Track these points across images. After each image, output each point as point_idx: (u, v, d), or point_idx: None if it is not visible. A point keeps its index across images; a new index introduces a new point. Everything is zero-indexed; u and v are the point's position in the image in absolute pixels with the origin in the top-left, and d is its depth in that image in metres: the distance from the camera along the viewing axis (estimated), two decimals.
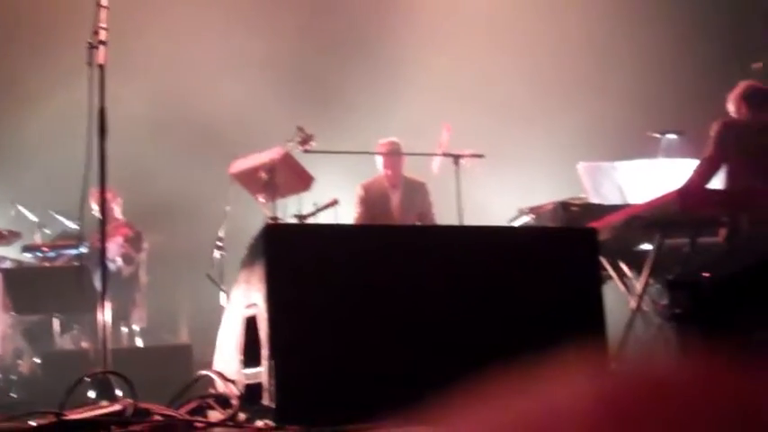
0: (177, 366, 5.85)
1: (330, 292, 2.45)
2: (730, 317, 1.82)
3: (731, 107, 4.86)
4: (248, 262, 2.72)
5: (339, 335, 2.43)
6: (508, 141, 8.37)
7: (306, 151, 6.05)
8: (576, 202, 5.80)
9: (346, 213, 6.69)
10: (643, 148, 6.43)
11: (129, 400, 2.68)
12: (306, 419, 2.22)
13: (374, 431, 1.90)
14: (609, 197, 5.74)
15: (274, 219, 5.96)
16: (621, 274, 5.63)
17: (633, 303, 5.22)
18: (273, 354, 2.39)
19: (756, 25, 7.90)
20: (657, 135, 6.27)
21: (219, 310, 5.10)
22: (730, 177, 4.66)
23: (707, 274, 1.84)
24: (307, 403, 2.36)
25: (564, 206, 5.58)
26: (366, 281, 2.50)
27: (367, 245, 2.58)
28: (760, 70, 7.37)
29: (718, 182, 4.88)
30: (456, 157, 6.21)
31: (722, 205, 4.64)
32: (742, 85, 4.93)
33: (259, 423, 2.44)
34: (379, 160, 6.69)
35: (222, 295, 5.92)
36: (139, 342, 7.75)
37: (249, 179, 6.17)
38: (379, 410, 2.17)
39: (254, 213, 6.47)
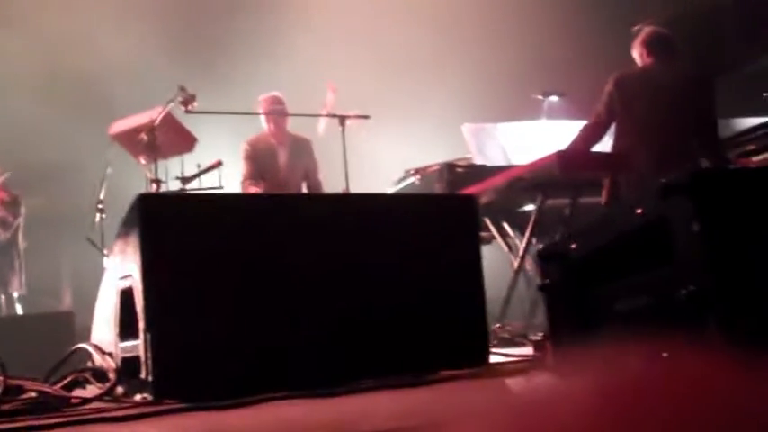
0: (59, 334, 5.71)
1: (206, 264, 2.41)
2: (595, 287, 1.86)
3: (635, 53, 4.87)
4: (123, 233, 2.65)
5: (216, 307, 2.39)
6: (394, 103, 8.38)
7: (188, 112, 5.91)
8: (461, 163, 5.86)
9: (231, 175, 6.58)
10: (527, 109, 6.54)
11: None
12: (183, 393, 2.18)
13: (252, 405, 1.89)
14: (493, 158, 5.82)
15: (156, 181, 5.84)
16: (505, 235, 5.73)
17: (516, 264, 5.32)
18: (149, 326, 2.34)
19: None
20: (540, 97, 6.37)
21: (102, 274, 5.00)
22: (618, 136, 4.70)
23: (574, 245, 1.88)
24: (184, 377, 2.33)
25: (449, 167, 5.64)
26: (243, 251, 2.47)
27: (243, 215, 2.54)
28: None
29: (602, 144, 4.98)
30: (341, 119, 6.17)
31: (602, 168, 4.74)
32: (646, 31, 4.92)
33: (137, 397, 2.40)
34: (263, 116, 6.57)
35: (104, 259, 5.80)
36: (19, 309, 7.53)
37: (129, 140, 6.01)
38: (257, 383, 2.16)
39: (136, 175, 6.32)
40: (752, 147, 5.22)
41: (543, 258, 2.00)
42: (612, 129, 4.76)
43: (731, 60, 7.28)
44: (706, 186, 1.49)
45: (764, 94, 6.58)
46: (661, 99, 4.50)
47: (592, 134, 4.81)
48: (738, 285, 1.46)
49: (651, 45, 4.77)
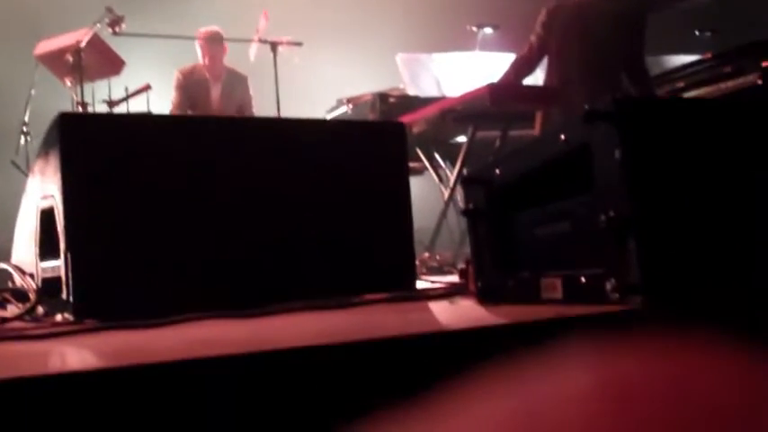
0: None
1: (128, 184, 2.37)
2: (518, 213, 1.88)
3: None
4: (43, 152, 2.58)
5: (138, 228, 2.36)
6: (327, 31, 8.27)
7: (115, 33, 5.79)
8: (394, 93, 5.85)
9: (159, 100, 6.46)
10: (461, 41, 6.51)
11: None
12: (104, 313, 2.16)
13: (173, 324, 1.88)
14: (426, 89, 5.82)
15: (82, 103, 5.72)
16: (436, 166, 5.76)
17: (446, 194, 5.36)
18: (70, 247, 2.30)
19: None
20: (475, 29, 6.35)
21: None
22: (550, 69, 4.73)
23: (498, 171, 1.88)
24: (105, 297, 2.30)
25: (381, 97, 5.62)
26: (167, 173, 2.43)
27: (168, 136, 2.49)
28: None
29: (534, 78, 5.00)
30: (273, 45, 6.09)
31: (533, 101, 4.77)
32: None
33: (57, 317, 2.37)
34: (200, 50, 6.43)
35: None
36: None
37: (55, 61, 5.87)
38: (178, 304, 2.15)
39: (62, 98, 6.17)
40: (682, 84, 5.30)
41: (467, 184, 2.01)
42: (545, 62, 4.78)
43: None
44: (629, 114, 1.50)
45: (697, 32, 6.66)
46: (594, 33, 4.53)
47: (523, 66, 4.83)
48: (657, 212, 1.48)
49: None
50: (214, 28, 6.40)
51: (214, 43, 6.30)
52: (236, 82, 6.41)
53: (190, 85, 6.29)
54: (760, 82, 4.78)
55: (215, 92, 6.33)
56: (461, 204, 2.25)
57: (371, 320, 1.75)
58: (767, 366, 0.38)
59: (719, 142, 1.59)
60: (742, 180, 1.57)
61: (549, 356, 0.42)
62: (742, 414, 0.35)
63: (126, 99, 6.03)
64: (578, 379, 0.39)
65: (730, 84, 5.00)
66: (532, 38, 4.72)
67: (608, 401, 0.36)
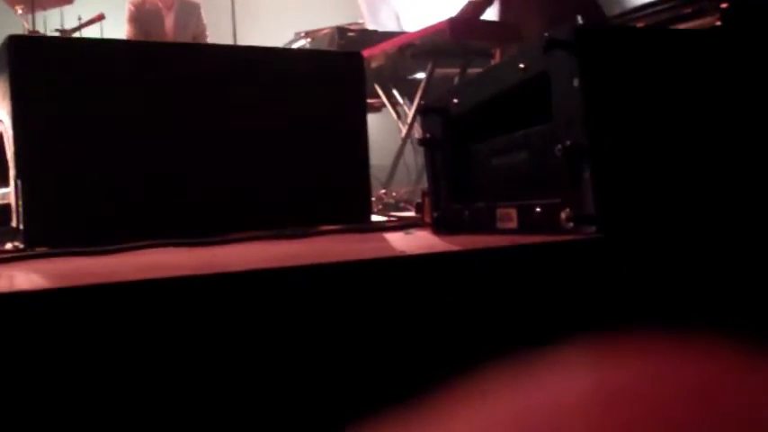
0: None
1: (80, 111, 2.32)
2: (475, 143, 1.87)
3: None
4: None
5: (90, 154, 2.32)
6: None
7: None
8: (354, 27, 5.79)
9: (113, 30, 6.35)
10: None
11: None
12: (55, 241, 2.13)
13: (125, 251, 1.86)
14: (386, 24, 5.78)
15: (34, 32, 5.59)
16: (395, 102, 5.73)
17: (404, 131, 5.34)
18: (20, 174, 2.26)
19: None
20: None
21: None
22: (502, 7, 4.73)
23: (456, 100, 1.87)
24: (56, 224, 2.27)
25: (340, 31, 5.56)
26: (120, 99, 2.39)
27: (122, 62, 2.44)
28: None
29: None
30: None
31: (492, 36, 4.74)
32: None
33: (8, 245, 2.33)
34: None
35: None
36: None
37: None
38: (132, 232, 2.12)
39: (14, 27, 6.01)
40: (641, 24, 5.29)
41: (425, 113, 1.99)
42: None
43: None
44: (589, 42, 1.49)
45: None
46: None
47: (482, 3, 4.80)
48: (614, 142, 1.48)
49: None
50: None
51: None
52: (188, 10, 6.32)
53: (142, 16, 6.20)
54: (719, 23, 4.78)
55: (168, 21, 6.23)
56: (419, 137, 2.24)
57: (327, 248, 1.74)
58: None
59: (678, 73, 1.58)
60: (700, 112, 1.58)
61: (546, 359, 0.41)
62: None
63: (79, 28, 5.91)
64: (576, 387, 0.39)
65: (690, 24, 4.99)
66: None
67: (602, 408, 0.35)
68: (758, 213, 1.57)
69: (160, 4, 6.22)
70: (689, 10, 5.02)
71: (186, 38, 6.25)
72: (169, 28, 6.24)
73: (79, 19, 5.94)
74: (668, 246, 1.46)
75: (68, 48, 2.46)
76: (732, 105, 1.62)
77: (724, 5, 4.70)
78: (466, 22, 4.63)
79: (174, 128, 2.44)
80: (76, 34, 5.90)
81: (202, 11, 6.40)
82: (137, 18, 6.19)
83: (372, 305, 1.21)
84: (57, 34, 5.84)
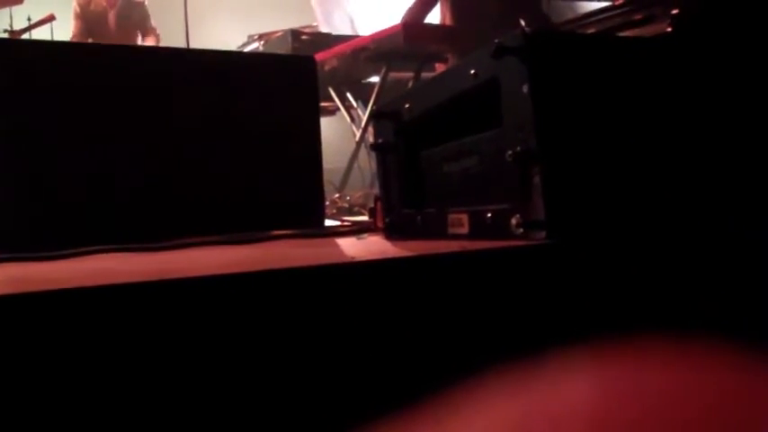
0: None
1: (21, 111, 2.29)
2: (426, 148, 1.88)
3: None
4: None
5: (36, 156, 2.29)
6: None
7: None
8: (307, 30, 5.78)
9: (64, 30, 6.29)
10: None
11: None
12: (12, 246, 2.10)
13: (74, 257, 1.84)
14: (340, 27, 5.77)
15: None
16: (349, 106, 5.73)
17: (358, 135, 5.35)
18: None
19: None
20: None
21: None
22: (451, 13, 4.77)
23: (407, 105, 1.87)
24: (12, 229, 2.24)
25: (294, 34, 5.55)
26: (64, 100, 2.36)
27: (67, 65, 2.41)
28: None
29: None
30: None
31: (446, 41, 4.77)
32: None
33: None
34: None
35: None
36: None
37: None
38: (80, 237, 2.10)
39: None
40: (593, 30, 5.34)
41: (377, 118, 1.99)
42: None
43: None
44: (539, 48, 1.50)
45: None
46: None
47: (424, 5, 4.84)
48: (564, 148, 1.49)
49: None
50: None
51: None
52: (132, 8, 6.33)
53: (87, 15, 6.22)
54: (670, 30, 4.85)
55: (111, 19, 6.24)
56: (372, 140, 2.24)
57: (279, 253, 1.73)
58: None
59: (629, 79, 1.60)
60: (651, 117, 1.60)
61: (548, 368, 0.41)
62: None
63: (29, 29, 5.83)
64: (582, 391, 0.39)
65: (641, 31, 5.05)
66: None
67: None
68: (710, 216, 1.59)
69: (104, 3, 6.24)
70: (640, 16, 5.08)
71: (130, 34, 6.26)
72: (111, 26, 6.24)
73: (29, 19, 5.86)
74: (619, 250, 1.47)
75: (6, 49, 2.42)
76: (682, 111, 1.64)
77: (674, 12, 4.77)
78: (420, 27, 4.65)
79: (121, 132, 2.41)
80: (26, 35, 5.81)
81: (149, 9, 6.40)
82: (81, 16, 6.21)
83: (323, 311, 1.21)
84: (5, 35, 5.75)
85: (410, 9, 4.80)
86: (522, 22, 4.53)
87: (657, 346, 0.41)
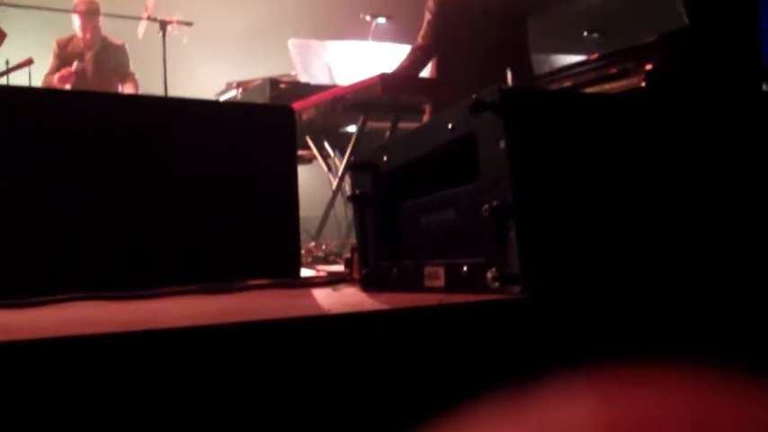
0: None
1: (2, 157, 2.28)
2: (403, 201, 1.89)
3: None
4: None
5: (9, 205, 2.27)
6: (219, 11, 8.16)
7: None
8: (285, 79, 5.80)
9: (42, 75, 6.32)
10: (355, 29, 6.50)
11: None
12: None
13: (49, 304, 1.82)
14: (318, 77, 5.79)
15: None
16: (326, 155, 5.75)
17: (334, 184, 5.36)
18: None
19: None
20: (368, 18, 6.35)
21: None
22: (438, 66, 4.84)
23: (385, 157, 1.89)
24: None
25: (272, 82, 5.57)
26: (46, 147, 2.35)
27: (34, 111, 2.40)
28: None
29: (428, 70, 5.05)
30: (162, 23, 5.96)
31: (423, 92, 4.81)
32: None
33: None
34: (76, 21, 6.32)
35: None
36: None
37: None
38: (57, 286, 2.08)
39: None
40: (569, 83, 5.41)
41: (355, 169, 2.00)
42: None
43: None
44: (515, 104, 1.52)
45: (585, 33, 6.81)
46: (480, 31, 4.66)
47: (420, 56, 4.89)
48: (539, 203, 1.51)
49: None
50: None
51: (92, 16, 6.21)
52: (109, 50, 6.38)
53: (65, 56, 6.27)
54: (643, 84, 4.92)
55: (88, 61, 6.28)
56: (350, 189, 2.25)
57: (254, 304, 1.73)
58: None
59: (603, 135, 1.62)
60: (625, 173, 1.62)
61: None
62: None
63: (7, 72, 5.82)
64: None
65: (615, 85, 5.13)
66: (425, 29, 4.80)
67: None
68: (683, 269, 1.61)
69: (82, 44, 6.29)
70: (614, 71, 5.15)
71: (107, 79, 6.29)
72: (88, 68, 6.28)
73: (7, 63, 5.85)
74: (594, 304, 1.48)
75: None
76: (657, 165, 1.66)
77: (648, 67, 4.84)
78: (397, 78, 4.68)
79: (98, 180, 2.40)
80: (4, 78, 5.81)
81: (128, 53, 6.43)
82: (59, 56, 6.28)
83: (299, 364, 1.21)
84: None
85: (400, 65, 4.85)
86: (510, 75, 4.61)
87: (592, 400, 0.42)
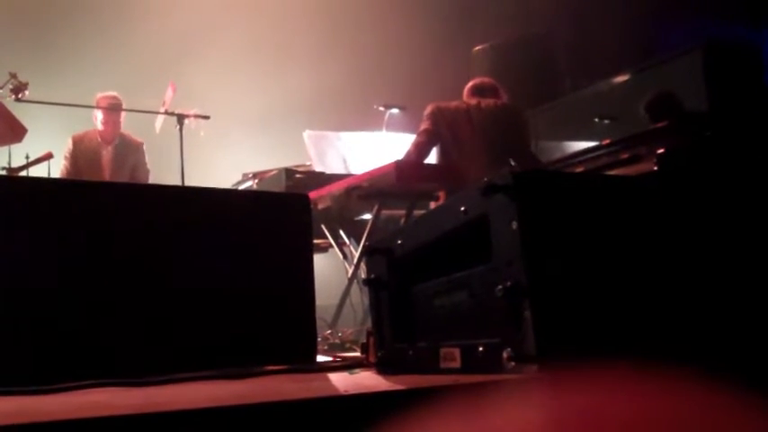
0: None
1: (20, 247, 2.31)
2: (418, 283, 1.90)
3: (464, 97, 5.20)
4: None
5: (24, 293, 2.29)
6: (235, 104, 8.30)
7: (18, 100, 5.70)
8: (301, 169, 5.88)
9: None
10: (368, 120, 6.61)
11: None
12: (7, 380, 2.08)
13: (63, 391, 1.83)
14: (333, 166, 5.87)
15: None
16: (341, 243, 5.78)
17: (350, 271, 5.37)
18: None
19: (482, 8, 8.28)
20: (382, 108, 6.45)
21: None
22: (442, 156, 4.95)
23: (399, 241, 1.91)
24: (8, 363, 2.23)
25: (288, 173, 5.65)
26: (59, 239, 2.38)
27: (66, 201, 2.44)
28: (481, 53, 7.78)
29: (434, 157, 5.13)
30: (180, 117, 6.07)
31: (437, 179, 4.87)
32: (471, 82, 5.28)
33: None
34: (98, 115, 6.42)
35: None
36: None
37: None
38: (72, 372, 2.09)
39: None
40: (581, 168, 5.47)
41: (370, 254, 2.03)
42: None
43: (563, 85, 7.60)
44: (527, 187, 1.55)
45: (596, 119, 6.89)
46: (482, 129, 4.83)
47: (424, 147, 4.98)
48: (553, 283, 1.52)
49: (474, 91, 5.19)
50: (114, 93, 6.42)
51: (114, 111, 6.31)
52: (129, 147, 6.45)
53: (80, 152, 6.33)
54: (655, 168, 4.97)
55: (106, 155, 6.34)
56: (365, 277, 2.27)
57: (271, 388, 1.74)
58: None
59: (614, 215, 1.64)
60: (637, 252, 1.63)
61: None
62: None
63: (27, 167, 5.91)
64: None
65: (628, 170, 5.18)
66: (423, 126, 4.92)
67: None
68: (702, 347, 1.60)
69: (99, 139, 6.34)
70: (626, 155, 5.21)
71: (124, 173, 6.34)
72: (106, 162, 6.33)
73: (27, 157, 5.95)
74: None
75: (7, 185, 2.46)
76: (669, 245, 1.67)
77: (660, 151, 4.90)
78: (412, 166, 4.74)
79: (117, 267, 2.43)
80: (24, 172, 5.90)
81: (146, 150, 6.52)
82: (73, 154, 6.31)
83: None
84: (3, 172, 5.83)
85: (408, 152, 4.93)
86: (513, 163, 4.72)
87: None
